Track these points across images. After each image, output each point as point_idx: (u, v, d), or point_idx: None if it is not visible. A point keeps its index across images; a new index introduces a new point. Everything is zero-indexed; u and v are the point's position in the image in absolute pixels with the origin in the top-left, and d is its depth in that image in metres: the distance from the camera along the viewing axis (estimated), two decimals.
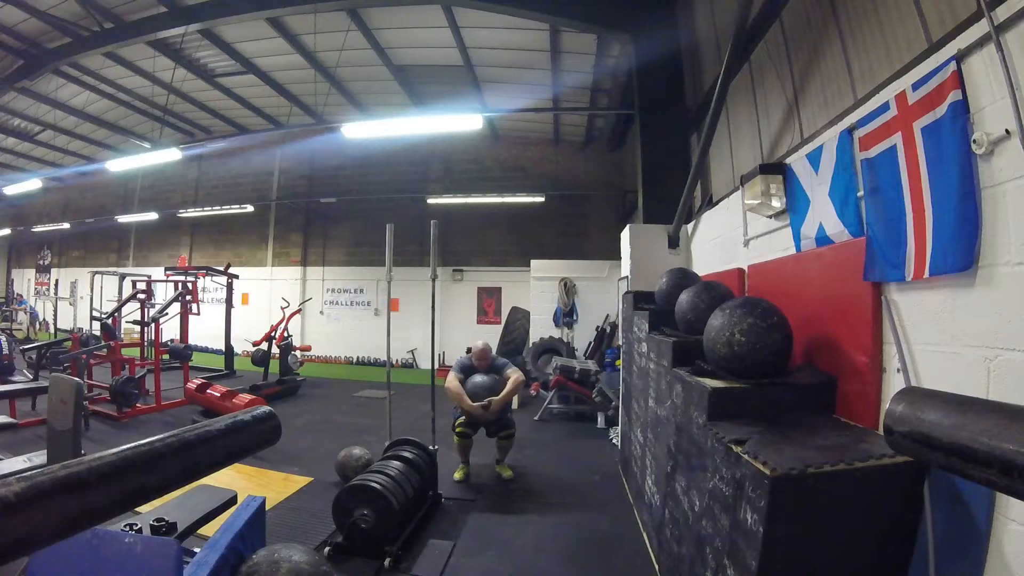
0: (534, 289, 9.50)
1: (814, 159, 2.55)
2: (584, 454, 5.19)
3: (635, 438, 3.86)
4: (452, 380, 4.28)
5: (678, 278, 3.55)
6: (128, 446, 0.92)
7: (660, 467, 2.85)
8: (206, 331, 11.02)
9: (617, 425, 5.43)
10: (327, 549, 3.01)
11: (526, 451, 5.16)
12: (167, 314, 7.44)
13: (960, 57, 1.60)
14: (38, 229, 14.59)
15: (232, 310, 10.23)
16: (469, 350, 4.56)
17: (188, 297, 8.03)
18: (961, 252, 1.58)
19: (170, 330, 8.75)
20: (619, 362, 5.28)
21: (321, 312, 12.37)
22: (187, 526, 2.05)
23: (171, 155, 7.67)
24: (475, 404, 4.16)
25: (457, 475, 4.34)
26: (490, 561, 3.05)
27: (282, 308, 9.17)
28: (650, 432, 3.23)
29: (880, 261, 1.95)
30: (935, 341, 1.72)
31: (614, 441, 5.47)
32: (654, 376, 3.14)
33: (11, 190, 10.55)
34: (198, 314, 8.47)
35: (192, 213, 11.99)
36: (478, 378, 4.36)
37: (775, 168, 2.89)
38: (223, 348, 10.02)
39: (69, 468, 0.79)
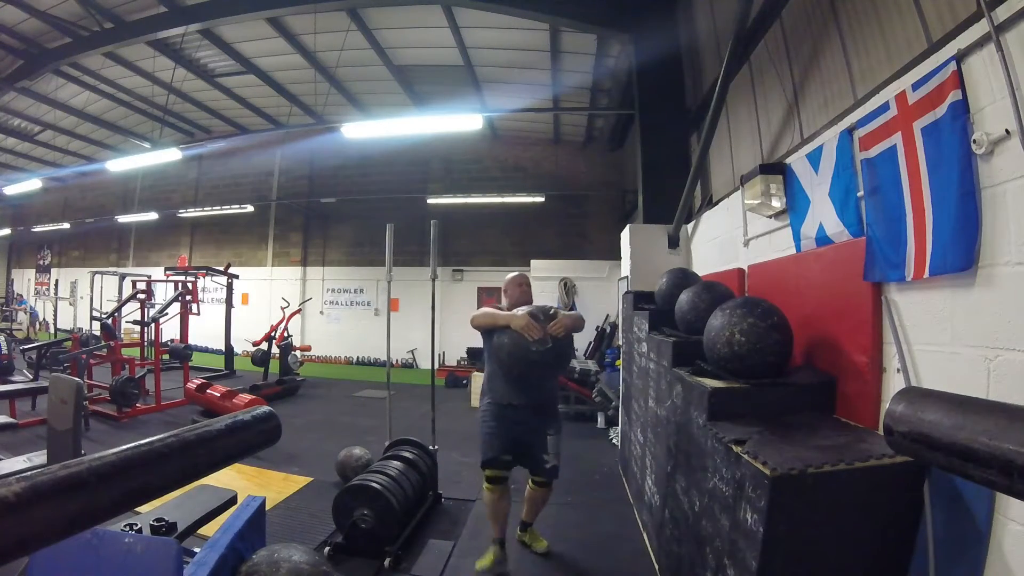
0: (534, 289, 9.49)
1: (814, 159, 2.55)
2: (584, 454, 5.18)
3: (635, 438, 3.85)
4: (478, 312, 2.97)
5: (678, 278, 3.55)
6: (128, 446, 0.91)
7: (660, 467, 2.85)
8: (206, 331, 11.00)
9: (617, 425, 5.43)
10: (327, 549, 3.01)
11: None
12: (167, 314, 7.45)
13: (960, 57, 1.60)
14: (38, 229, 14.57)
15: (232, 310, 10.25)
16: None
17: (188, 297, 8.03)
18: (961, 252, 1.58)
19: (170, 330, 8.75)
20: (619, 362, 5.28)
21: (321, 312, 12.37)
22: (187, 526, 2.05)
23: (171, 155, 7.66)
24: (522, 312, 2.65)
25: (486, 561, 2.88)
26: None
27: (282, 308, 9.18)
28: (650, 432, 3.23)
29: (880, 261, 1.95)
30: (935, 341, 1.72)
31: (614, 441, 5.47)
32: (654, 376, 3.14)
33: (11, 190, 10.55)
34: (198, 314, 8.47)
35: (192, 213, 11.97)
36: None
37: (775, 168, 2.89)
38: (223, 348, 10.03)
39: (69, 468, 0.79)
